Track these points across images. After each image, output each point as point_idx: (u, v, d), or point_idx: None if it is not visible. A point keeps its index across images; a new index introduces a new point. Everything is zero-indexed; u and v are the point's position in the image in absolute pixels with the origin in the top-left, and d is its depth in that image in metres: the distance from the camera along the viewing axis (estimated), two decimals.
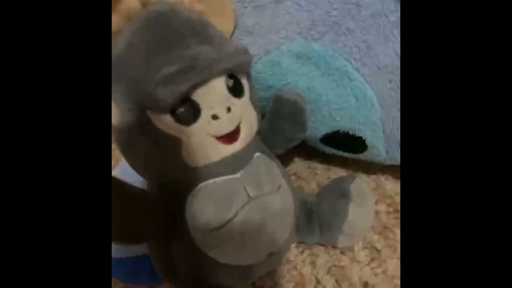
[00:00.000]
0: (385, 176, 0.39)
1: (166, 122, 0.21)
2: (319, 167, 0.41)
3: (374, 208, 0.33)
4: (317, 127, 0.33)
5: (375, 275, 0.31)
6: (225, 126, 0.22)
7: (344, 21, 0.29)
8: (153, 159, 0.23)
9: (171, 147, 0.22)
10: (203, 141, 0.22)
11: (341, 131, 0.32)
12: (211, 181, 0.23)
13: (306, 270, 0.31)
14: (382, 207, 0.36)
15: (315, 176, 0.40)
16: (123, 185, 0.21)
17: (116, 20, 0.22)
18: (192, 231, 0.23)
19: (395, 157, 0.34)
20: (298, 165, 0.42)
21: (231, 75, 0.23)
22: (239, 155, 0.23)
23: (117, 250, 0.29)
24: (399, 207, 0.35)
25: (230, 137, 0.23)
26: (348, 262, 0.32)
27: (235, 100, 0.23)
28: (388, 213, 0.35)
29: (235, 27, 0.29)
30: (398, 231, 0.33)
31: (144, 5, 0.22)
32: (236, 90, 0.23)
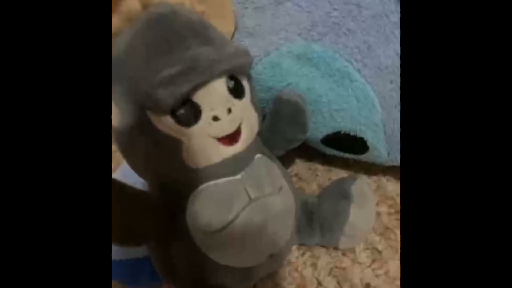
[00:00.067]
0: (386, 177, 0.39)
1: (166, 123, 0.21)
2: (320, 168, 0.41)
3: (375, 209, 0.33)
4: (318, 128, 0.33)
5: (377, 276, 0.31)
6: (225, 127, 0.22)
7: (345, 22, 0.29)
8: (153, 159, 0.23)
9: (172, 148, 0.22)
10: (204, 143, 0.22)
11: (342, 132, 0.32)
12: (212, 182, 0.23)
13: (307, 272, 0.31)
14: (383, 208, 0.36)
15: (316, 177, 0.40)
16: (123, 186, 0.22)
17: (116, 22, 0.22)
18: (192, 232, 0.23)
19: (396, 158, 0.34)
20: (299, 166, 0.41)
21: (231, 77, 0.22)
22: (239, 157, 0.23)
23: (117, 252, 0.28)
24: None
25: (231, 138, 0.23)
26: (350, 263, 0.32)
27: (235, 101, 0.23)
28: (389, 214, 0.35)
29: (236, 28, 0.29)
30: (399, 232, 0.33)
31: (145, 6, 0.22)
32: (236, 91, 0.23)
